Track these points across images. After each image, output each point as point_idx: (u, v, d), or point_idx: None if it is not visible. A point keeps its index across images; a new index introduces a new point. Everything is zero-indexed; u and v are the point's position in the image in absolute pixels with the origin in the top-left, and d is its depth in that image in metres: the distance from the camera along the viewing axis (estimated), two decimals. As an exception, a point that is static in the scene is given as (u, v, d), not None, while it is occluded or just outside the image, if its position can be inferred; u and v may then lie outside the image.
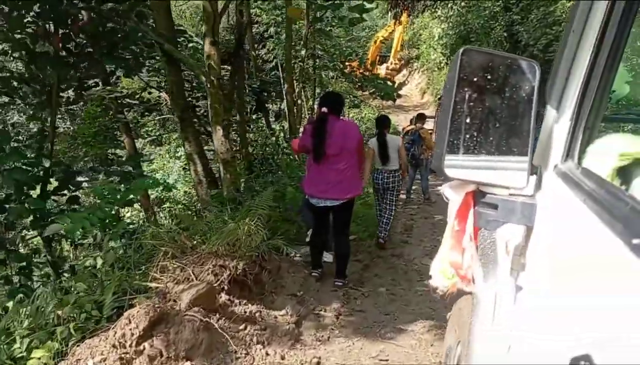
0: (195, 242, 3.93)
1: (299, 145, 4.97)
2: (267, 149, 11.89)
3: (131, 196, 4.17)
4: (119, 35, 5.77)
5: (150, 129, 16.13)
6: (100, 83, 9.31)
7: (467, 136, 1.29)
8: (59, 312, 3.14)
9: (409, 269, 5.90)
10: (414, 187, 10.43)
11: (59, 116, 13.76)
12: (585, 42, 1.14)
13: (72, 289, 3.29)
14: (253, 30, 16.01)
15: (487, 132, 1.30)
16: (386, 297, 4.88)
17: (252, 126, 13.29)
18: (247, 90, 12.95)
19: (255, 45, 16.61)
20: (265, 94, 15.52)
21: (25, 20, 5.01)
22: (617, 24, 1.01)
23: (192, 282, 3.38)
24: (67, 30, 5.38)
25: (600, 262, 0.83)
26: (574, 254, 0.97)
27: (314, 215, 4.98)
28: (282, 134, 12.26)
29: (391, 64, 26.55)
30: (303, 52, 11.07)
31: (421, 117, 9.77)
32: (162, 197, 12.95)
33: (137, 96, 11.01)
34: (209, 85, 6.59)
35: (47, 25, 5.22)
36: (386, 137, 6.45)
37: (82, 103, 11.45)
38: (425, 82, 24.78)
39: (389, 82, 14.41)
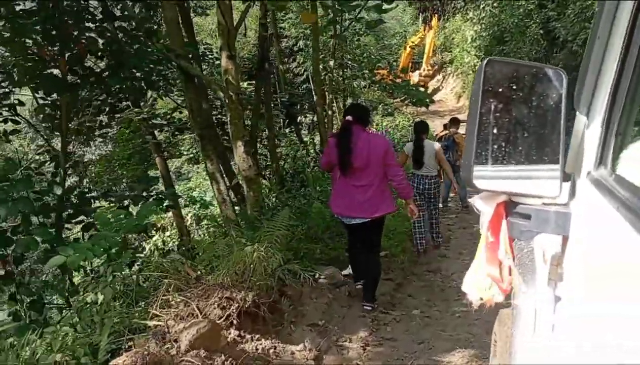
0: (199, 272, 3.60)
1: (323, 162, 4.79)
2: (299, 162, 11.72)
3: (136, 222, 3.91)
4: (126, 54, 5.55)
5: (187, 148, 16.24)
6: (130, 105, 9.22)
7: (495, 147, 1.26)
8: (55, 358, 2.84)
9: (446, 286, 5.46)
10: (451, 195, 9.89)
11: (101, 140, 13.88)
12: (612, 44, 1.10)
13: (61, 330, 2.99)
14: (282, 45, 15.95)
15: (516, 141, 1.27)
16: (420, 322, 4.45)
17: (283, 140, 13.12)
18: (277, 104, 12.80)
19: (285, 60, 16.56)
20: (297, 107, 15.40)
21: (27, 44, 4.89)
22: None
23: (195, 318, 3.04)
24: (74, 52, 5.21)
25: (634, 270, 0.80)
26: (607, 262, 0.96)
27: (347, 230, 4.76)
28: (311, 147, 12.05)
29: (424, 70, 25.95)
30: (331, 63, 10.77)
31: (455, 122, 9.27)
32: (200, 215, 12.98)
33: (168, 116, 10.99)
34: (227, 101, 6.36)
35: (52, 48, 5.07)
36: (423, 142, 6.50)
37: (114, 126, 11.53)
38: (461, 86, 24.11)
39: (421, 88, 13.98)
